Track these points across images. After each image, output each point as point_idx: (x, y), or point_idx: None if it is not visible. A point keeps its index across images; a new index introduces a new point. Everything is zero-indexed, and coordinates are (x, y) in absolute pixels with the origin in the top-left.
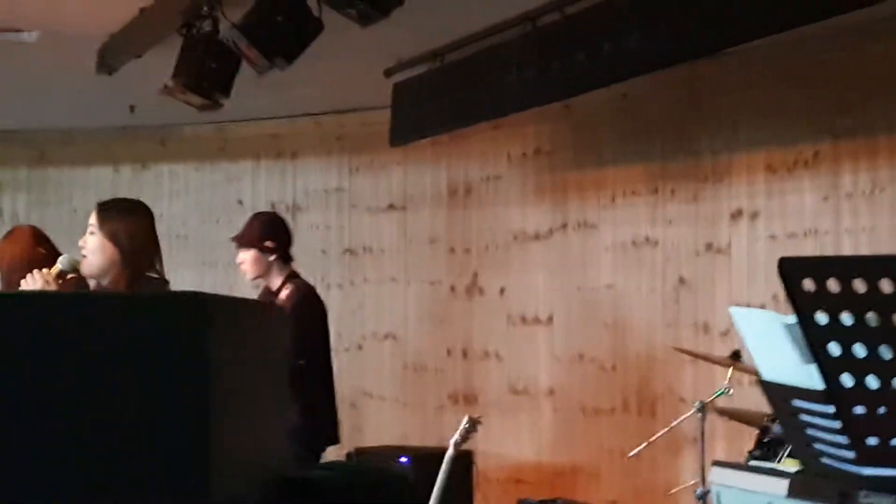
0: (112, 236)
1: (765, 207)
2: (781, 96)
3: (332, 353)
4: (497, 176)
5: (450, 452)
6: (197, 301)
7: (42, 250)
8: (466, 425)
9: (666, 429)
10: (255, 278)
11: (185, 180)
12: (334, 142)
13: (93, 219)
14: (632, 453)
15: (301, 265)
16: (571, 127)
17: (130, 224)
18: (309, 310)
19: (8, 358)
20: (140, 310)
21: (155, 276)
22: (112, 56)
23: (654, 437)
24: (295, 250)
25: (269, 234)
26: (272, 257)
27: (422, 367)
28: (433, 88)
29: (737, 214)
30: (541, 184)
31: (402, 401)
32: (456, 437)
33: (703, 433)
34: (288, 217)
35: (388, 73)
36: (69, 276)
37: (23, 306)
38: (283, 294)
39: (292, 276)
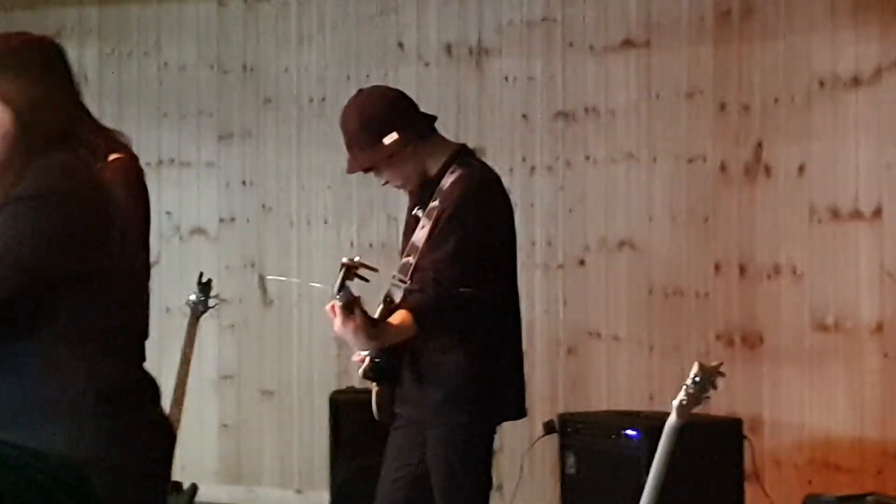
0: (4, 97)
1: None
2: None
3: (524, 276)
4: None
5: (672, 421)
6: None
7: None
8: (696, 379)
9: None
10: (417, 181)
11: (319, 16)
12: None
13: None
14: None
15: (490, 137)
16: None
17: (32, 76)
18: (481, 207)
19: None
20: None
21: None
22: None
23: None
24: (483, 115)
25: (383, 127)
26: (412, 146)
27: (676, 292)
28: None
29: None
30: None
31: (646, 343)
32: (681, 397)
33: None
34: (471, 64)
35: None
36: None
37: None
38: (447, 182)
39: (459, 156)
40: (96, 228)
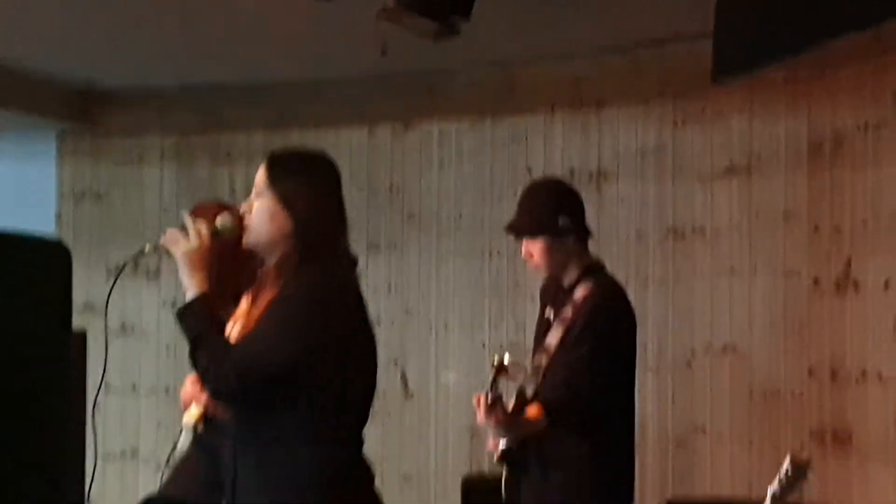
0: (285, 200)
1: None
2: None
3: (639, 378)
4: (878, 124)
5: None
6: None
7: None
8: (788, 471)
9: None
10: (553, 273)
11: (457, 142)
12: (653, 84)
13: (260, 175)
14: None
15: (608, 253)
16: None
17: (310, 184)
18: (609, 320)
19: None
20: None
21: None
22: None
23: None
24: (601, 232)
25: (562, 208)
26: (570, 240)
27: (773, 393)
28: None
29: None
30: None
31: (746, 438)
32: (774, 487)
33: None
34: (591, 188)
35: None
36: (226, 238)
37: None
38: (579, 294)
39: (594, 270)
40: (342, 332)
